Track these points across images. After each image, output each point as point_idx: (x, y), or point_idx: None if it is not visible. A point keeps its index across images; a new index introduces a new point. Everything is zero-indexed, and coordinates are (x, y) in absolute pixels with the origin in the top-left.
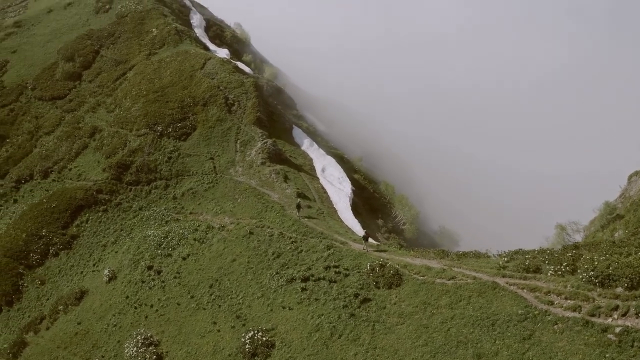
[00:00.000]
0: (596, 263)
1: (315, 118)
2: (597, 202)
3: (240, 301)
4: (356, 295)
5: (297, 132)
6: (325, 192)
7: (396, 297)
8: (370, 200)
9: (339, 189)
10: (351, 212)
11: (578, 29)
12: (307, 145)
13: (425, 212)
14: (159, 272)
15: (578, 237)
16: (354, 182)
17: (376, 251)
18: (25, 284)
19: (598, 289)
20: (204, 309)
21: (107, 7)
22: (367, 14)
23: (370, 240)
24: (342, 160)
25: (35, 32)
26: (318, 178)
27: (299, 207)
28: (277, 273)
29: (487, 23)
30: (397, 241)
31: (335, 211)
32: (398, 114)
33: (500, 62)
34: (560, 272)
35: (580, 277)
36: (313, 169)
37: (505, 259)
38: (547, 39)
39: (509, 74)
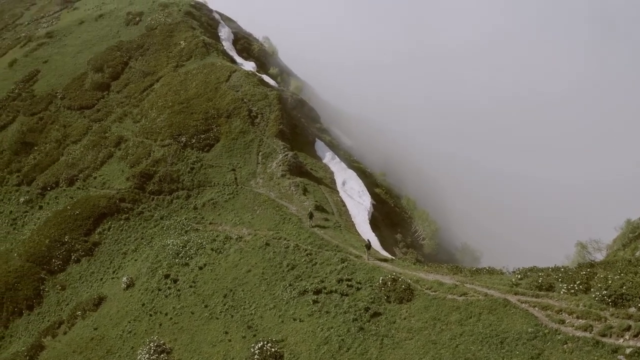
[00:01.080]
0: (610, 282)
1: (341, 132)
2: (627, 212)
3: (253, 312)
4: (366, 309)
5: (319, 145)
6: (345, 205)
7: (406, 312)
8: (391, 214)
9: (358, 203)
10: (369, 225)
11: (595, 37)
12: (329, 159)
13: (449, 228)
14: (175, 281)
15: (599, 256)
16: (375, 196)
17: (378, 260)
18: (46, 289)
19: (611, 309)
20: (217, 318)
21: (138, 19)
22: (395, 26)
23: (377, 249)
24: (364, 175)
25: (67, 43)
26: (338, 191)
27: (311, 216)
28: (290, 285)
29: (512, 31)
30: (414, 256)
31: (353, 224)
32: (424, 127)
33: (523, 71)
34: (573, 291)
35: (593, 296)
36: (333, 182)
37: (519, 276)
38: (572, 48)
39: (534, 82)
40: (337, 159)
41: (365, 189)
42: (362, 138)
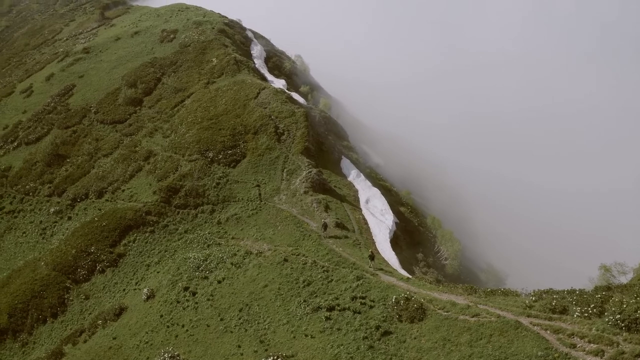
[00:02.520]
0: (625, 306)
1: (370, 149)
2: None
3: (266, 326)
4: (377, 328)
5: (345, 163)
6: (366, 223)
7: (417, 331)
8: (413, 233)
9: (380, 221)
10: (389, 244)
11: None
12: (354, 176)
13: (475, 247)
14: (194, 294)
15: (624, 279)
16: (399, 215)
17: (381, 270)
18: (70, 298)
19: (624, 333)
20: (231, 332)
21: (172, 36)
22: (428, 42)
23: (395, 268)
24: (390, 193)
25: (103, 59)
26: (361, 209)
27: (325, 226)
28: (304, 301)
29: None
30: (434, 276)
31: (374, 243)
32: (452, 143)
33: (551, 82)
34: (587, 314)
35: (607, 320)
36: (357, 199)
37: (533, 298)
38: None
39: (562, 91)
40: (362, 177)
41: (388, 207)
42: (390, 156)
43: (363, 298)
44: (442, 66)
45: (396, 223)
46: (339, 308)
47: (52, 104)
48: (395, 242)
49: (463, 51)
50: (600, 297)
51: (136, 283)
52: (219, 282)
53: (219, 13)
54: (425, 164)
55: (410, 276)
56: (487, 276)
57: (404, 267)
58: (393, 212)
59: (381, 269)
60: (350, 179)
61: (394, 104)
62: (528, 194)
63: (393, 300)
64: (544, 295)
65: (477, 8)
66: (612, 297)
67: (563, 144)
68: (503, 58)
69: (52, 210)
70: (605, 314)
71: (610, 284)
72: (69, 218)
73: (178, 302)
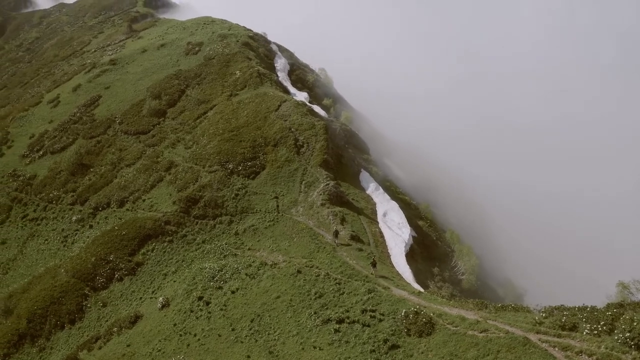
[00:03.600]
0: (635, 324)
1: (392, 162)
2: None
3: (276, 337)
4: (385, 341)
5: (364, 176)
6: (382, 236)
7: (425, 346)
8: (430, 247)
9: (396, 235)
10: (404, 258)
11: None
12: (373, 190)
13: (495, 261)
14: (207, 303)
15: None
16: (417, 228)
17: (382, 277)
18: (88, 305)
19: (633, 352)
20: (242, 342)
21: (197, 49)
22: (450, 54)
23: (409, 282)
24: (409, 206)
25: (129, 70)
26: (378, 222)
27: (336, 234)
28: (315, 313)
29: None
30: (449, 291)
31: (389, 256)
32: (474, 155)
33: (574, 91)
34: (596, 332)
35: (616, 337)
36: (375, 213)
37: (543, 315)
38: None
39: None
40: (381, 190)
41: (406, 221)
42: (411, 168)
43: (373, 311)
44: (463, 78)
45: (413, 237)
46: (348, 320)
47: (78, 114)
48: (411, 256)
49: (483, 60)
50: (611, 315)
51: (153, 292)
52: (233, 292)
53: (244, 26)
54: (447, 176)
55: (422, 290)
56: (505, 291)
57: (418, 281)
58: (411, 226)
59: (383, 277)
60: (368, 192)
61: (415, 115)
62: (552, 205)
63: (402, 314)
64: (554, 312)
65: (498, 20)
66: (623, 314)
67: (584, 152)
68: (522, 68)
69: (74, 218)
70: (615, 331)
71: (623, 301)
72: (90, 226)
73: (192, 311)
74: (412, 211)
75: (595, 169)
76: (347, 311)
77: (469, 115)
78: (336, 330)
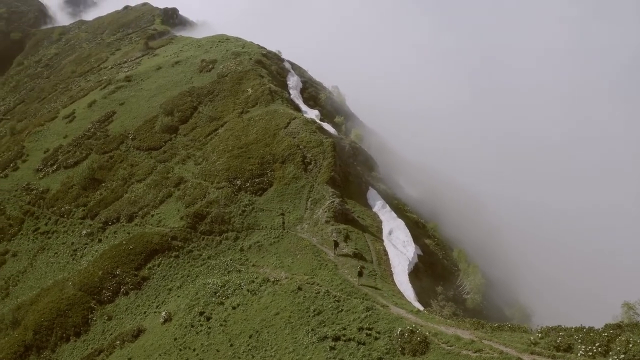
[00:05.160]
0: (631, 345)
1: (402, 179)
2: None
3: (272, 354)
4: None
5: (371, 194)
6: (386, 254)
7: None
8: (436, 266)
9: (400, 253)
10: (407, 276)
11: None
12: (379, 207)
13: (504, 280)
14: (208, 319)
15: None
16: (423, 247)
17: (369, 287)
18: (94, 318)
19: None
20: (239, 357)
21: (210, 66)
22: (458, 72)
23: (410, 300)
24: (417, 225)
25: (143, 87)
26: (382, 240)
27: (335, 244)
28: (312, 330)
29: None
30: (452, 310)
31: (392, 274)
32: (486, 173)
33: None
34: (591, 353)
35: (611, 359)
36: (380, 230)
37: (539, 335)
38: None
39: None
40: (388, 208)
41: (411, 239)
42: (421, 186)
43: (369, 329)
44: (476, 93)
45: (419, 255)
46: (344, 338)
47: (92, 130)
48: (415, 274)
49: (495, 77)
50: (607, 336)
51: (157, 306)
52: (234, 308)
53: (257, 44)
54: (458, 193)
55: (421, 308)
56: (513, 311)
57: (420, 300)
58: (417, 244)
59: (369, 286)
60: (375, 209)
61: (427, 133)
62: (566, 223)
63: (398, 332)
64: (551, 332)
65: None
66: (620, 335)
67: (594, 170)
68: (532, 85)
69: (84, 232)
70: (610, 353)
71: (621, 322)
72: (99, 240)
73: (192, 326)
74: (419, 229)
75: (608, 187)
76: (344, 329)
77: (480, 132)
78: (331, 348)
